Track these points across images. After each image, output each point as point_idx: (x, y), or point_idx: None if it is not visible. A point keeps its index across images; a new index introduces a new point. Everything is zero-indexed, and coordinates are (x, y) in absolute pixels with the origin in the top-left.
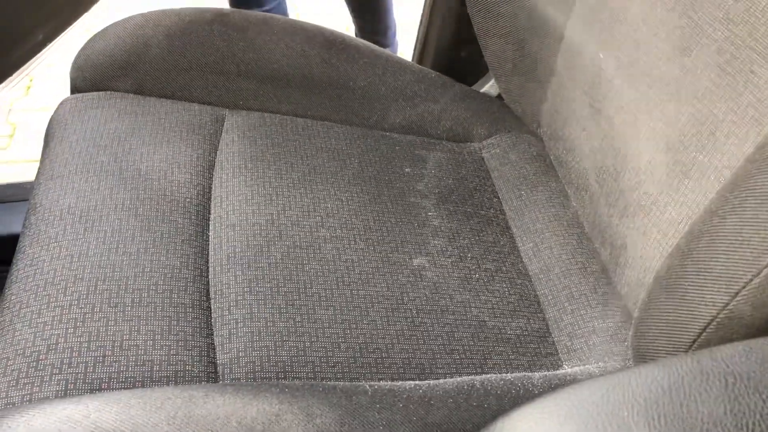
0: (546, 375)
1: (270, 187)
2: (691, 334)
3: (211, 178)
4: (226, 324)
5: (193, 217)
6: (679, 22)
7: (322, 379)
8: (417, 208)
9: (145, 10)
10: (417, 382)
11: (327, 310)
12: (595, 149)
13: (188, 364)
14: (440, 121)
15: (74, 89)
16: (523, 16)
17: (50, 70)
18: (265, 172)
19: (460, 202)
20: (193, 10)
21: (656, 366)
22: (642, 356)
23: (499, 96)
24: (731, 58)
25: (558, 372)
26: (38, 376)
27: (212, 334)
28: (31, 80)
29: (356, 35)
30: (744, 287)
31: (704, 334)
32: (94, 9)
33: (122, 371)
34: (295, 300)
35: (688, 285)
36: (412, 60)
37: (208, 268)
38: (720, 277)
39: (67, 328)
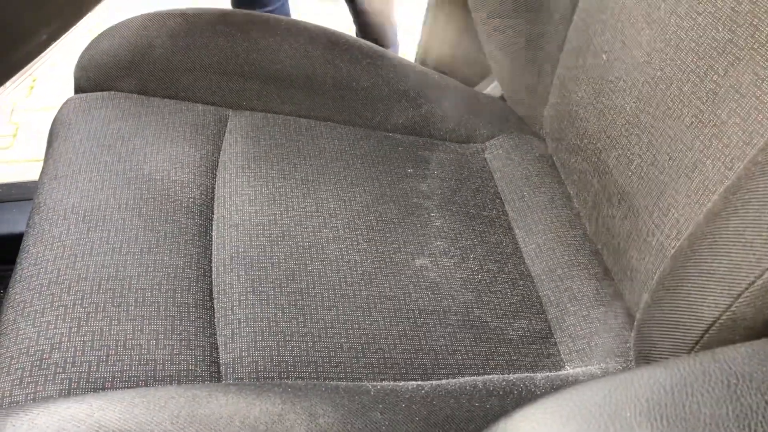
0: (548, 376)
1: (273, 188)
2: (694, 335)
3: (215, 178)
4: (229, 324)
5: (196, 217)
6: (682, 23)
7: (325, 379)
8: (420, 208)
9: (148, 11)
10: (419, 382)
11: (329, 310)
12: (597, 150)
13: (191, 364)
14: (443, 122)
15: (78, 89)
16: (525, 18)
17: (53, 70)
18: (269, 173)
19: (462, 203)
20: (197, 10)
21: (659, 367)
22: (644, 357)
23: (501, 97)
24: (735, 60)
25: (560, 373)
26: (42, 375)
27: (215, 334)
28: (34, 80)
29: (356, 35)
30: (746, 289)
31: (707, 335)
32: (97, 9)
33: (125, 370)
34: (298, 300)
35: (691, 287)
36: (415, 61)
37: (211, 267)
38: (722, 279)
39: (70, 327)
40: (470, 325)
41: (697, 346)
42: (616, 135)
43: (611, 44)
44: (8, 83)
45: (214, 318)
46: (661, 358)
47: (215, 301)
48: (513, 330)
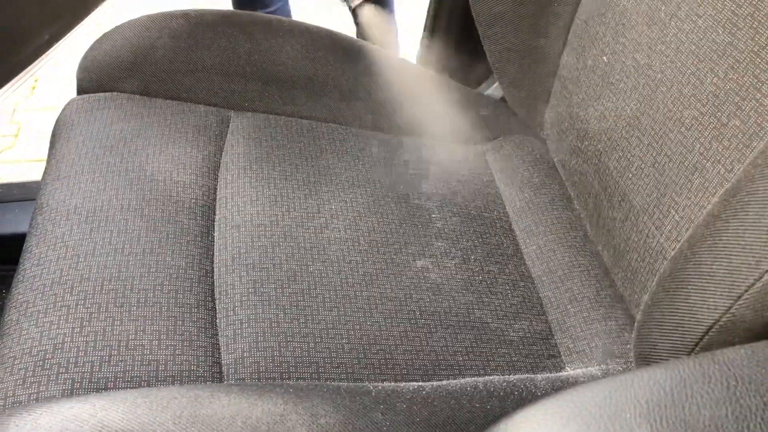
0: (549, 377)
1: (275, 189)
2: (694, 337)
3: (217, 179)
4: (230, 324)
5: (198, 217)
6: (683, 26)
7: (326, 379)
8: (421, 210)
9: (150, 12)
10: (420, 383)
11: (331, 311)
12: (598, 152)
13: (193, 364)
14: (444, 124)
15: (81, 90)
16: (527, 21)
17: (55, 70)
18: (270, 174)
19: (463, 205)
20: (199, 11)
21: (659, 368)
22: (644, 359)
23: (502, 99)
24: (735, 63)
25: (560, 374)
26: (45, 375)
27: (217, 335)
28: (36, 80)
29: (358, 36)
30: (746, 291)
31: (706, 337)
32: (99, 10)
33: (128, 371)
34: (300, 301)
35: (691, 288)
36: (416, 63)
37: (213, 268)
38: (722, 281)
39: (73, 328)
40: (471, 326)
41: (697, 348)
42: (616, 137)
43: (612, 46)
44: (11, 83)
45: (216, 318)
46: (660, 359)
47: (217, 301)
48: (513, 331)
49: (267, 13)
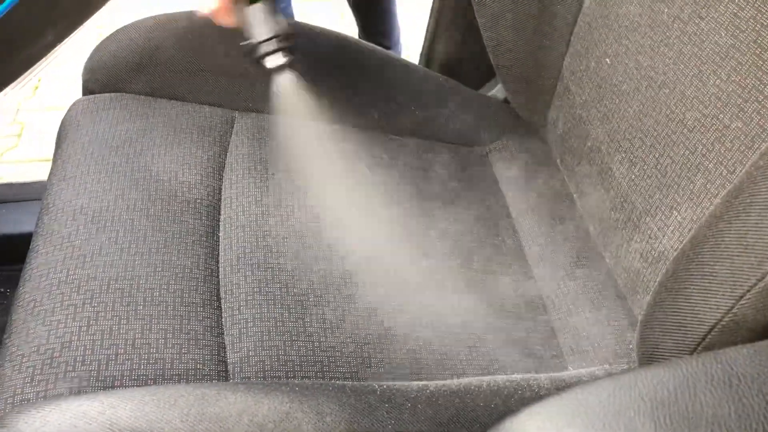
0: (552, 376)
1: (279, 189)
2: (696, 337)
3: (222, 179)
4: (236, 323)
5: (203, 217)
6: (686, 28)
7: (331, 378)
8: (424, 210)
9: (154, 13)
10: (424, 382)
11: (335, 310)
12: (601, 153)
13: (199, 363)
14: (448, 125)
15: (86, 91)
16: (530, 22)
17: (58, 70)
18: (275, 174)
19: (466, 205)
20: None
21: (662, 368)
22: (647, 359)
23: (505, 100)
24: (737, 65)
25: (563, 373)
26: (53, 373)
27: (223, 334)
28: (39, 80)
29: (359, 36)
30: (748, 291)
31: (709, 337)
32: (103, 10)
33: (134, 369)
34: (304, 300)
35: (693, 289)
36: (419, 64)
37: (218, 268)
38: (724, 281)
39: (80, 326)
40: (474, 326)
41: (699, 348)
42: (619, 138)
43: (615, 48)
44: (15, 83)
45: (222, 318)
46: (663, 359)
47: (222, 301)
48: (516, 331)
49: None
